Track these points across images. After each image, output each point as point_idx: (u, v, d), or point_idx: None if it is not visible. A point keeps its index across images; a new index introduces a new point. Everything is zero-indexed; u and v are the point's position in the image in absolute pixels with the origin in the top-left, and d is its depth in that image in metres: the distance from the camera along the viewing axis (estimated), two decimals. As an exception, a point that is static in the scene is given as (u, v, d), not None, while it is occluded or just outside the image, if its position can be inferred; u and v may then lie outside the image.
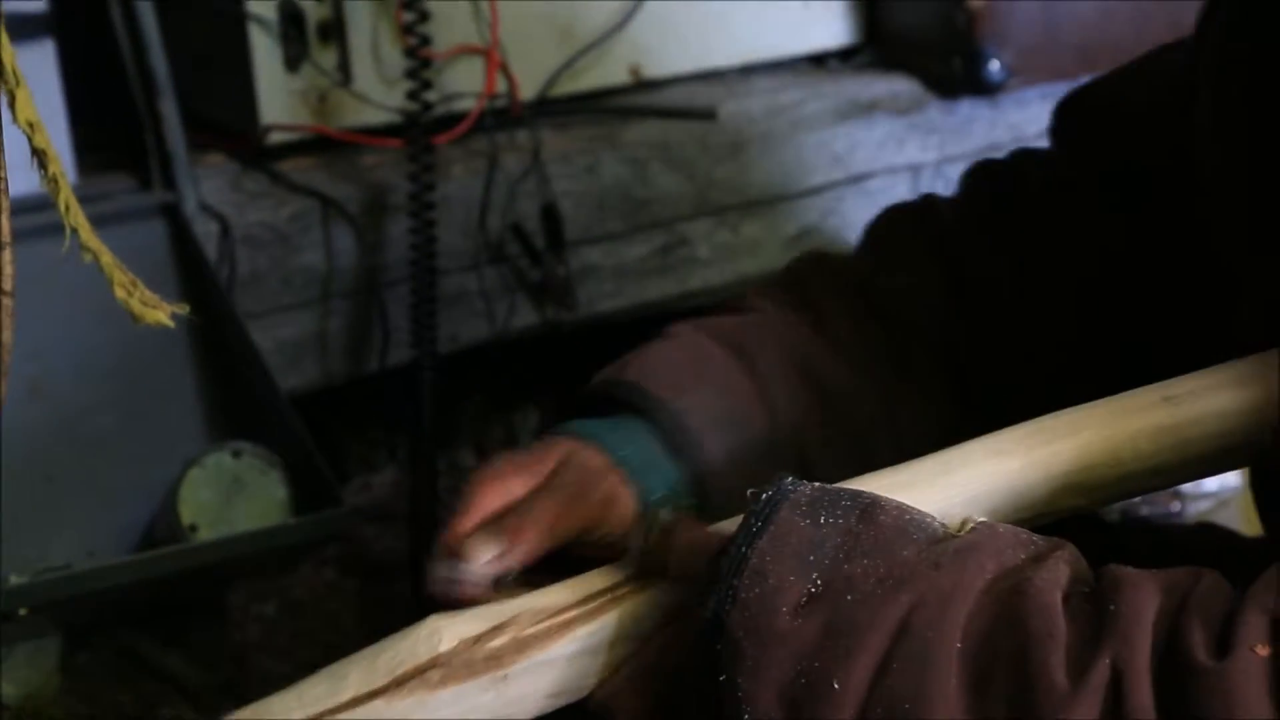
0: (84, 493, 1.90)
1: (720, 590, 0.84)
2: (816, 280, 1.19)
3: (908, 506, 0.88)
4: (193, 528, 1.84)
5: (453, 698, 0.89)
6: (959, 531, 0.87)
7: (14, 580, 1.73)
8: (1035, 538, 0.87)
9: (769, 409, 1.12)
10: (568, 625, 0.91)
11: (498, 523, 0.98)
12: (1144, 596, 0.81)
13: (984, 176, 1.24)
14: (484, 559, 0.95)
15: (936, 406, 1.16)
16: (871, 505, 0.87)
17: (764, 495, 0.87)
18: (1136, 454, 0.92)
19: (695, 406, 1.10)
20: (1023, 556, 0.85)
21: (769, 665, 0.82)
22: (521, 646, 0.90)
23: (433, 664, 0.90)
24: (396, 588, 2.14)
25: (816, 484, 0.88)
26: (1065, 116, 1.23)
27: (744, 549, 0.85)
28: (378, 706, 0.89)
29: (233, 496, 1.85)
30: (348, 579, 2.16)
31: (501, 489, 1.01)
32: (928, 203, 1.24)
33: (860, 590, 0.83)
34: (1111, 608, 0.81)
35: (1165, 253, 1.13)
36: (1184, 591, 0.81)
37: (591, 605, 0.91)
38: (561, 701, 0.91)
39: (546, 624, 0.91)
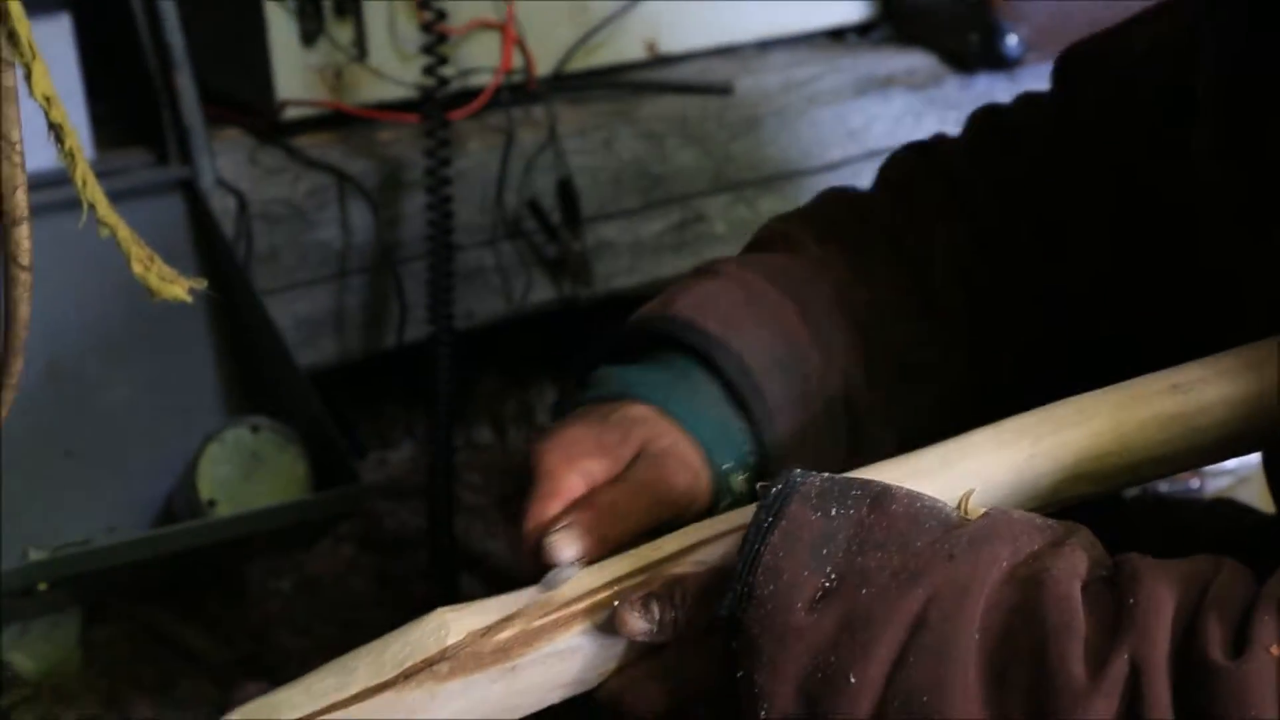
0: (103, 468, 1.90)
1: (735, 588, 0.84)
2: (849, 224, 1.17)
3: (918, 493, 0.87)
4: (211, 503, 1.84)
5: (461, 689, 0.89)
6: (971, 515, 0.86)
7: (34, 555, 1.74)
8: (1050, 523, 0.86)
9: (824, 353, 1.09)
10: (575, 617, 0.91)
11: (579, 517, 0.95)
12: (1163, 589, 0.80)
13: (991, 124, 1.21)
14: (569, 558, 0.92)
15: (963, 359, 1.14)
16: (882, 494, 0.86)
17: (773, 489, 0.86)
18: (1146, 442, 0.91)
19: (755, 348, 1.06)
20: (1039, 543, 0.84)
21: (786, 661, 0.82)
22: (529, 638, 0.90)
23: (441, 656, 0.90)
24: (413, 563, 2.14)
25: (825, 474, 0.88)
26: (1066, 69, 1.21)
27: (757, 545, 0.84)
28: (387, 699, 0.89)
29: (251, 472, 1.85)
30: (365, 554, 2.17)
31: (582, 470, 0.98)
32: (941, 147, 1.21)
33: (875, 583, 0.82)
34: (1131, 600, 0.80)
35: (1168, 208, 1.12)
36: (1203, 584, 0.81)
37: (599, 597, 0.91)
38: (571, 692, 0.91)
39: (554, 615, 0.91)
